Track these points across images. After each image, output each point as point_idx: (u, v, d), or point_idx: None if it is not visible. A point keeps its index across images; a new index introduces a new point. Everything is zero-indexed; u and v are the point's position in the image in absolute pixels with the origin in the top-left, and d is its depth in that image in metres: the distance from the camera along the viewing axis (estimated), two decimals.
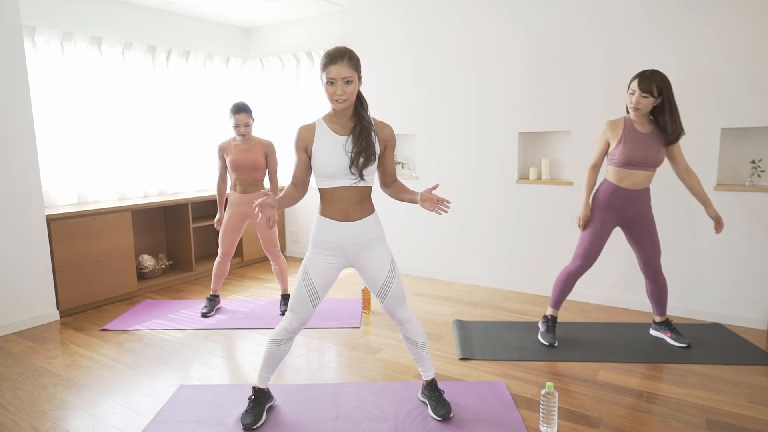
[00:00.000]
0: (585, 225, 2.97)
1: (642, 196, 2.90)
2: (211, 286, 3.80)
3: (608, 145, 2.89)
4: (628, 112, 2.86)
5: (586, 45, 3.75)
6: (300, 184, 2.18)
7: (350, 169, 2.05)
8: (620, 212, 2.91)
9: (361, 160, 2.04)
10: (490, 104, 4.22)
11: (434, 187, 2.04)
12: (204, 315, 3.70)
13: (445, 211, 2.05)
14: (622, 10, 3.59)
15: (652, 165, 2.82)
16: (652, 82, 2.68)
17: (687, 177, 2.90)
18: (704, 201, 2.90)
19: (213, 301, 3.80)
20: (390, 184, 2.27)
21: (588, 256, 2.97)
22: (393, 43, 4.66)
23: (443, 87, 4.44)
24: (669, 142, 2.80)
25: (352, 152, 2.05)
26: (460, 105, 4.37)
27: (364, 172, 2.07)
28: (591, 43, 3.73)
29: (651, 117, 2.84)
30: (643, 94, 2.70)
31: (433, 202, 2.04)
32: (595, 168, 2.95)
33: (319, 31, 5.10)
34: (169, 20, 4.85)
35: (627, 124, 2.83)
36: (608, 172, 2.94)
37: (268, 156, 3.59)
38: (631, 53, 3.58)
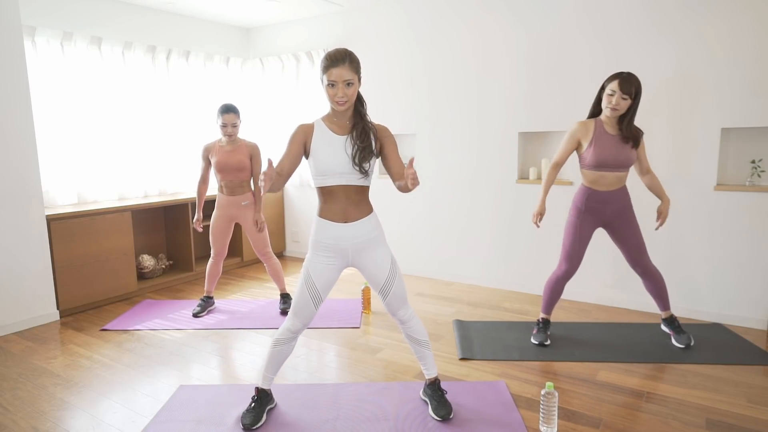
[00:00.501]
0: (539, 220, 2.96)
1: (618, 197, 2.91)
2: (205, 288, 3.81)
3: (578, 145, 2.90)
4: (595, 115, 2.91)
5: (586, 45, 3.75)
6: (283, 175, 2.08)
7: (352, 162, 2.05)
8: (598, 214, 2.93)
9: (361, 154, 2.06)
10: (490, 104, 4.22)
11: (411, 161, 1.95)
12: (195, 315, 3.70)
13: (415, 184, 1.88)
14: (622, 10, 3.59)
15: (624, 166, 2.84)
16: (632, 85, 2.71)
17: (648, 176, 2.99)
18: (662, 196, 2.98)
19: (206, 302, 3.80)
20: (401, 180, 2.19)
21: (571, 260, 2.98)
22: (393, 43, 4.67)
23: (443, 87, 4.44)
24: (635, 145, 2.83)
25: (353, 148, 2.07)
26: (459, 105, 4.37)
27: (365, 166, 2.08)
28: (591, 43, 3.73)
29: (620, 120, 2.85)
30: (623, 96, 2.72)
31: (408, 178, 1.88)
32: (558, 166, 2.95)
33: (319, 31, 5.11)
34: (169, 20, 4.85)
35: (598, 125, 2.86)
36: (582, 176, 2.96)
37: (252, 158, 3.59)
38: (631, 53, 3.58)
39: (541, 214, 2.97)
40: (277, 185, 2.03)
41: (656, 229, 3.01)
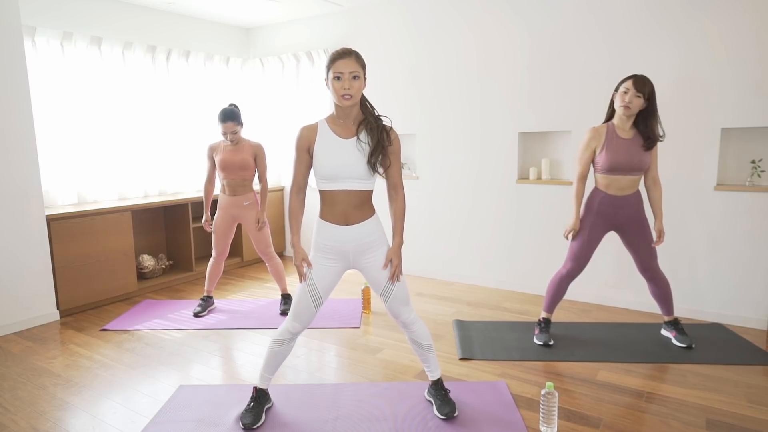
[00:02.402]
0: (574, 236, 2.98)
1: (632, 201, 2.91)
2: (205, 287, 3.81)
3: (594, 153, 2.90)
4: (607, 119, 2.92)
5: (586, 44, 3.75)
6: (302, 190, 2.19)
7: (368, 164, 2.06)
8: (610, 218, 2.93)
9: (374, 154, 2.06)
10: (490, 104, 4.22)
11: (388, 261, 2.19)
12: (196, 315, 3.70)
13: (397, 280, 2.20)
14: (623, 10, 3.58)
15: (637, 169, 2.84)
16: (645, 84, 2.74)
17: (653, 186, 2.96)
18: (658, 214, 2.98)
19: (207, 301, 3.80)
20: (390, 197, 2.21)
21: (578, 261, 2.98)
22: (393, 43, 4.66)
23: (443, 87, 4.44)
24: (648, 147, 2.83)
25: (367, 143, 2.07)
26: (460, 105, 4.37)
27: (378, 168, 2.09)
28: (591, 43, 3.73)
29: (633, 123, 2.86)
30: (637, 94, 2.74)
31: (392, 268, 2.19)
32: (584, 178, 2.94)
33: (320, 31, 5.10)
34: (169, 20, 4.85)
35: (609, 130, 2.86)
36: (596, 180, 2.96)
37: (257, 158, 3.59)
38: (632, 53, 3.58)
39: (575, 230, 2.96)
40: (302, 205, 2.21)
41: (655, 246, 2.98)
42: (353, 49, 2.06)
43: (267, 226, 3.65)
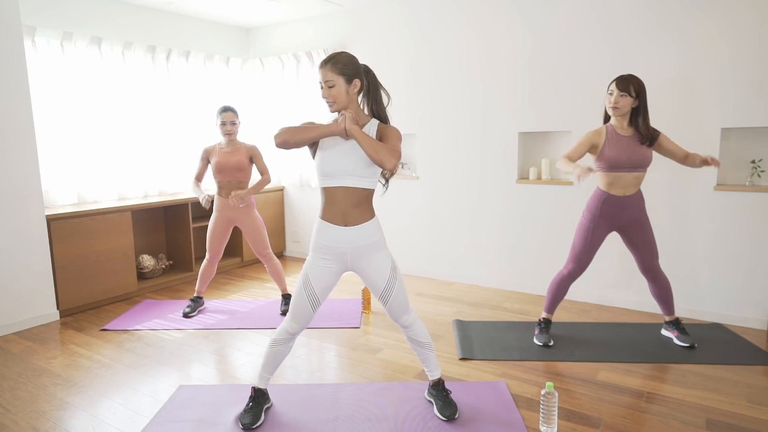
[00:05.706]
0: (584, 172, 2.57)
1: (634, 201, 2.91)
2: (196, 288, 3.82)
3: (592, 149, 2.88)
4: (605, 121, 2.94)
5: (587, 45, 3.75)
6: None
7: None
8: (613, 219, 2.92)
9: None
10: (490, 104, 4.22)
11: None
12: (185, 315, 3.70)
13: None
14: (624, 10, 3.58)
15: (641, 165, 2.84)
16: (629, 83, 2.76)
17: (688, 162, 2.85)
18: (694, 160, 2.80)
19: (196, 302, 3.80)
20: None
21: (580, 261, 2.98)
22: (393, 43, 4.66)
23: (443, 87, 4.44)
24: (650, 144, 2.84)
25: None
26: (461, 104, 4.37)
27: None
28: (592, 43, 3.73)
29: (630, 121, 2.87)
30: (621, 93, 2.76)
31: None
32: (568, 159, 2.78)
33: (320, 31, 5.10)
34: (169, 20, 4.85)
35: (609, 129, 2.88)
36: (599, 180, 2.96)
37: (254, 158, 3.61)
38: (633, 53, 3.58)
39: (585, 168, 2.55)
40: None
41: (718, 165, 2.74)
42: (337, 53, 2.07)
43: (263, 227, 3.65)
